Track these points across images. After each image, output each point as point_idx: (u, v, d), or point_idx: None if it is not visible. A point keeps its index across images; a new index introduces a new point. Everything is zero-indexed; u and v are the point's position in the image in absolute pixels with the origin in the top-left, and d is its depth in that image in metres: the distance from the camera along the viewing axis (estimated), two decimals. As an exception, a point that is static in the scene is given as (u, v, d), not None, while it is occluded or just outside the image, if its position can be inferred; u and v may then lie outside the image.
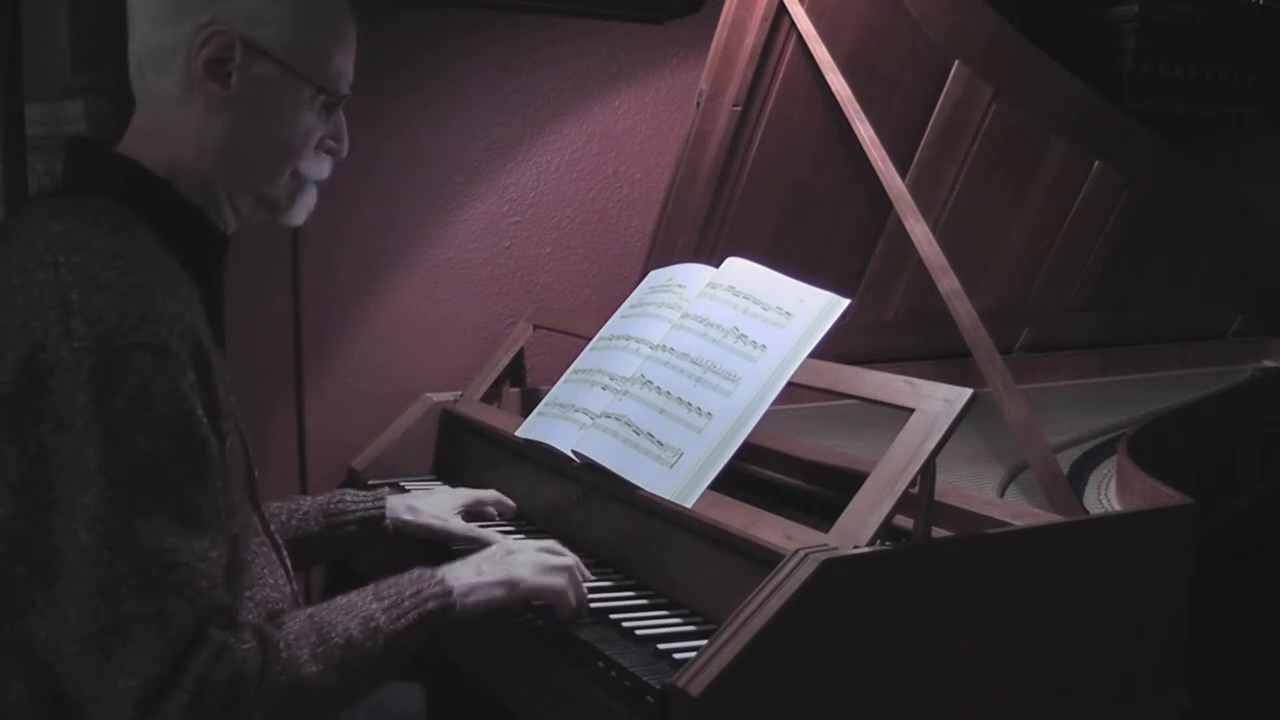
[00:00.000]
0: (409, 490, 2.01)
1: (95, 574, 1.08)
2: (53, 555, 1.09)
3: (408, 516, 1.77)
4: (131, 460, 1.10)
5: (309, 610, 1.27)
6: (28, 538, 1.10)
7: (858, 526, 1.35)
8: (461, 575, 1.38)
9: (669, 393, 1.65)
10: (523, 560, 1.45)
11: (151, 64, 1.30)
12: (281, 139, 1.34)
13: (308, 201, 1.42)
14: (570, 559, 1.50)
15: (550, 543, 1.53)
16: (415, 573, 1.35)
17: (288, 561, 1.45)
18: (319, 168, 1.40)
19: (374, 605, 1.28)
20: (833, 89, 2.12)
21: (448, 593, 1.34)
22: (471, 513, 1.85)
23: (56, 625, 1.10)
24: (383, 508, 1.77)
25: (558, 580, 1.45)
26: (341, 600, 1.29)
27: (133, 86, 1.34)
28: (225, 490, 1.19)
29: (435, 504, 1.80)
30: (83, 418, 1.09)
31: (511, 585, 1.41)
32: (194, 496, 1.14)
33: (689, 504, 1.52)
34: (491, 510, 1.88)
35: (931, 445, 1.38)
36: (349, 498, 1.76)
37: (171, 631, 1.09)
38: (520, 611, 1.50)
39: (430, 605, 1.31)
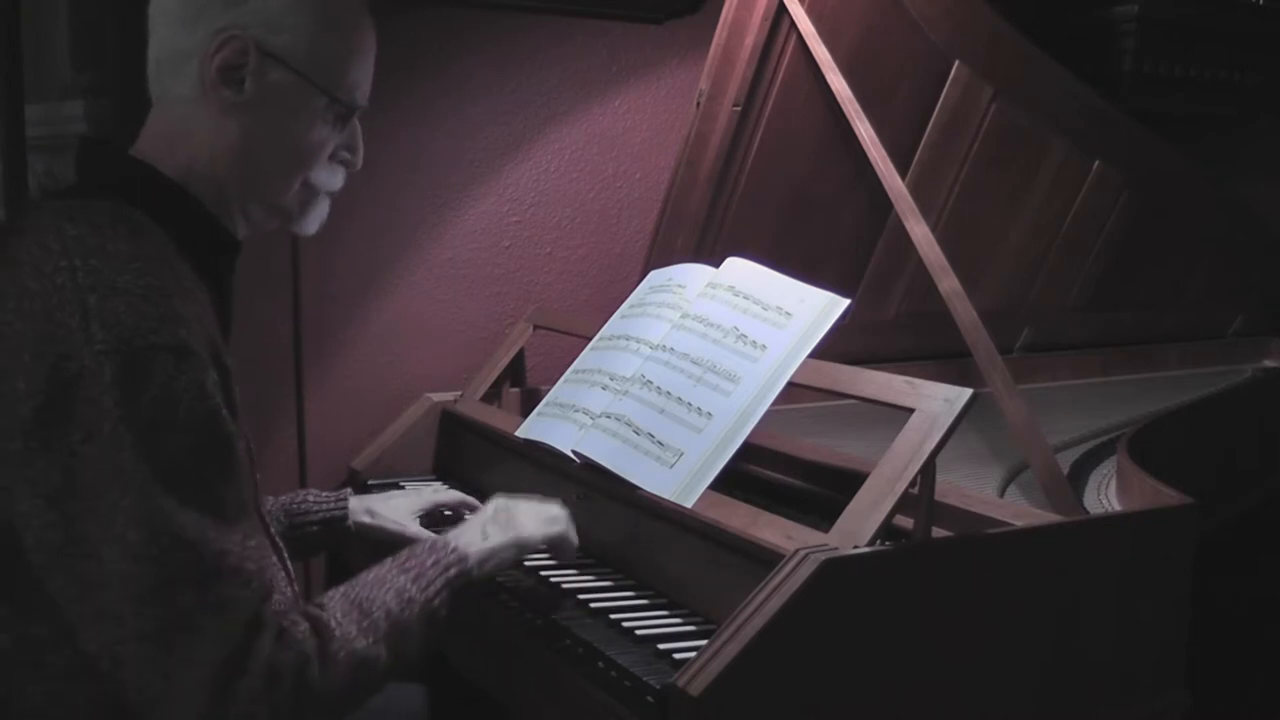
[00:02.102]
0: (405, 489, 2.00)
1: (149, 571, 1.08)
2: (91, 565, 1.09)
3: (366, 520, 1.77)
4: (162, 458, 1.11)
5: (341, 589, 1.29)
6: (63, 549, 1.10)
7: (858, 526, 1.35)
8: (472, 541, 1.43)
9: (669, 393, 1.65)
10: (524, 518, 1.52)
11: (169, 68, 1.31)
12: (293, 147, 1.34)
13: (320, 212, 1.42)
14: (562, 508, 1.59)
15: (538, 498, 1.59)
16: (428, 542, 1.41)
17: (288, 564, 1.46)
18: (331, 179, 1.40)
19: (401, 578, 1.32)
20: (833, 89, 2.12)
21: (464, 558, 1.39)
22: (433, 515, 1.86)
23: (107, 633, 1.10)
24: (345, 509, 1.77)
25: (559, 528, 1.56)
26: (368, 576, 1.33)
27: (150, 90, 1.34)
28: (249, 485, 1.21)
29: (394, 508, 1.80)
30: (109, 421, 1.09)
31: (520, 545, 1.49)
32: (223, 491, 1.15)
33: (689, 504, 1.52)
34: (457, 511, 1.88)
35: (931, 445, 1.38)
36: (311, 498, 1.77)
37: (234, 617, 1.11)
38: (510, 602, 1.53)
39: (452, 571, 1.36)
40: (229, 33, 1.27)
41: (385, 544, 1.78)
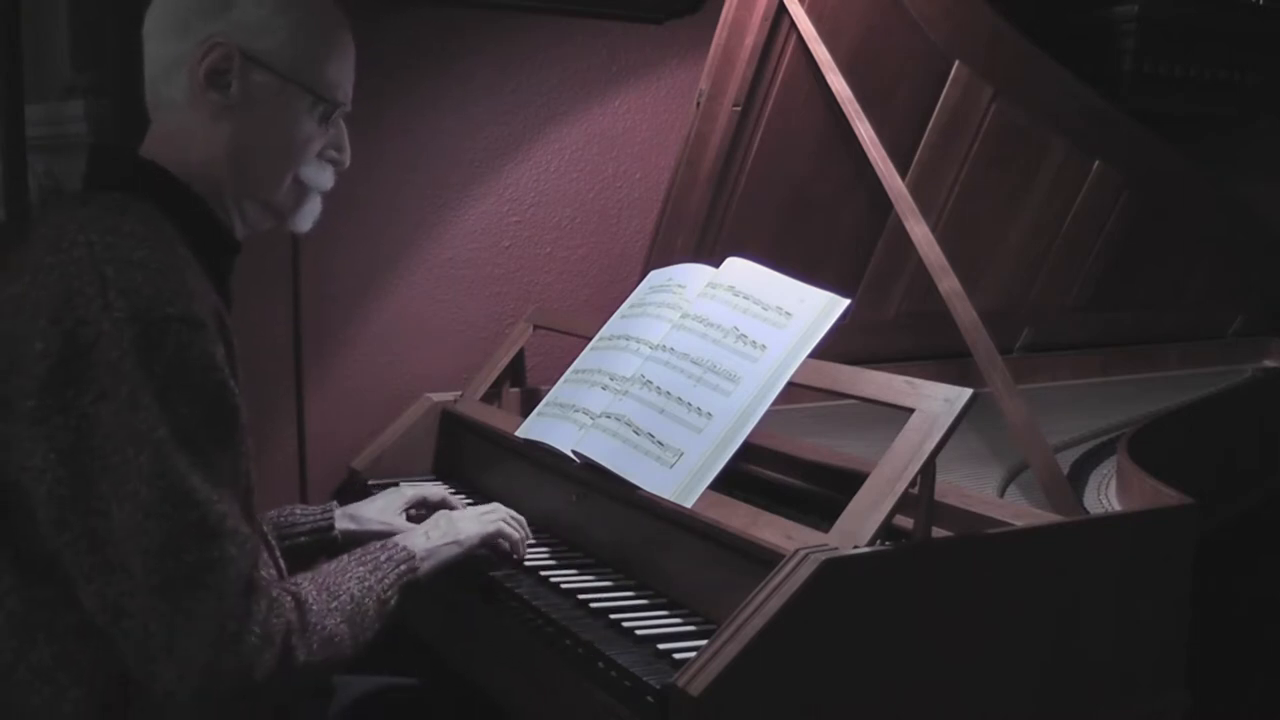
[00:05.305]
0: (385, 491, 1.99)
1: (160, 527, 1.14)
2: (99, 521, 1.15)
3: (352, 526, 1.79)
4: (177, 421, 1.17)
5: (308, 574, 1.37)
6: (73, 505, 1.15)
7: (858, 526, 1.35)
8: (416, 542, 1.54)
9: (669, 393, 1.65)
10: (461, 519, 1.64)
11: (163, 76, 1.38)
12: (281, 145, 1.40)
13: (312, 210, 1.48)
14: (498, 509, 1.71)
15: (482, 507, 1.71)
16: (377, 543, 1.50)
17: (282, 565, 1.48)
18: (321, 176, 1.46)
19: (359, 568, 1.42)
20: (833, 89, 2.12)
21: (411, 556, 1.49)
22: (433, 508, 1.86)
23: (113, 586, 1.15)
24: (331, 520, 1.79)
25: (494, 524, 1.66)
26: (330, 566, 1.41)
27: (147, 102, 1.41)
28: (247, 456, 1.26)
29: (379, 509, 1.82)
30: (128, 384, 1.15)
31: (459, 542, 1.59)
32: (223, 458, 1.22)
33: (689, 504, 1.52)
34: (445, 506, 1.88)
35: (931, 445, 1.38)
36: (299, 512, 1.79)
37: (232, 573, 1.17)
38: (478, 575, 1.64)
39: (401, 567, 1.46)
40: (214, 40, 1.35)
41: None
